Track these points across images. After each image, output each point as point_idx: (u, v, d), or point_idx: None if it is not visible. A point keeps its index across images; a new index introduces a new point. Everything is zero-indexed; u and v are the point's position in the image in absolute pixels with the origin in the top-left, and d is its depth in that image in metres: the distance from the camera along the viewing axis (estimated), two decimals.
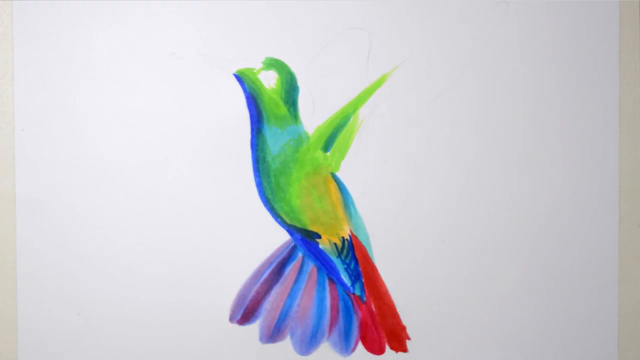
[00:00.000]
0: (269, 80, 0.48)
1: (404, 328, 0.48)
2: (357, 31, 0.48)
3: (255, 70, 0.48)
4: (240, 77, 0.48)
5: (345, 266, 0.48)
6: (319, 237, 0.48)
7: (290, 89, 0.48)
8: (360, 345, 0.48)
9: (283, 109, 0.48)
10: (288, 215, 0.48)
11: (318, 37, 0.48)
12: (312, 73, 0.48)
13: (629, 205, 0.49)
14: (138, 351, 0.48)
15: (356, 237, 0.48)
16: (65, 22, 0.47)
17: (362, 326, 0.48)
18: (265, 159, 0.48)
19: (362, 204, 0.48)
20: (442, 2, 0.48)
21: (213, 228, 0.48)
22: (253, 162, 0.48)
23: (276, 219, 0.48)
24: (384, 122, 0.48)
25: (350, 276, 0.48)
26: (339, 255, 0.48)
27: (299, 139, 0.48)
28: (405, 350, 0.48)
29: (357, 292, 0.48)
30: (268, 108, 0.48)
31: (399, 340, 0.48)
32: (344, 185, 0.48)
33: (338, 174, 0.48)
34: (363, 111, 0.48)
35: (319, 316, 0.48)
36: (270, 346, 0.48)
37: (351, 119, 0.48)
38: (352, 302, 0.48)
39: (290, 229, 0.48)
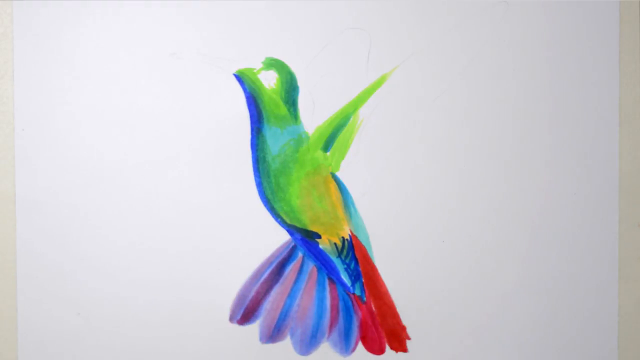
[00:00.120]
0: (269, 80, 0.48)
1: (404, 328, 0.48)
2: (357, 31, 0.48)
3: (255, 70, 0.48)
4: (240, 77, 0.48)
5: (345, 266, 0.48)
6: (319, 237, 0.48)
7: (290, 89, 0.48)
8: (360, 345, 0.48)
9: (283, 109, 0.48)
10: (288, 215, 0.48)
11: (318, 37, 0.48)
12: (312, 73, 0.48)
13: (629, 205, 0.49)
14: (138, 351, 0.48)
15: (356, 237, 0.48)
16: (65, 22, 0.47)
17: (362, 326, 0.48)
18: (265, 159, 0.48)
19: (362, 204, 0.48)
20: (442, 2, 0.48)
21: (213, 228, 0.48)
22: (253, 162, 0.48)
23: (276, 219, 0.48)
24: (384, 122, 0.48)
25: (350, 276, 0.48)
26: (339, 255, 0.48)
27: (299, 139, 0.48)
28: (405, 350, 0.48)
29: (357, 292, 0.48)
30: (268, 108, 0.48)
31: (399, 340, 0.48)
32: (344, 185, 0.48)
33: (338, 174, 0.48)
34: (363, 111, 0.48)
35: (319, 316, 0.48)
36: (270, 346, 0.48)
37: (351, 119, 0.48)
38: (352, 302, 0.48)
39: (290, 229, 0.48)
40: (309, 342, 0.48)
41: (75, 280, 0.47)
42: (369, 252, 0.48)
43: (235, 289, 0.48)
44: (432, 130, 0.48)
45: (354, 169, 0.48)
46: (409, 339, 0.48)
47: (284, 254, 0.48)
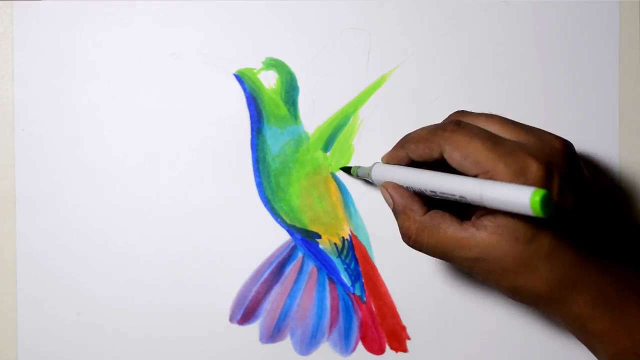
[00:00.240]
0: (269, 80, 0.48)
1: (404, 328, 0.48)
2: (357, 31, 0.48)
3: (255, 70, 0.48)
4: (240, 77, 0.48)
5: (345, 266, 0.48)
6: (319, 237, 0.48)
7: (290, 89, 0.48)
8: (360, 345, 0.48)
9: (283, 109, 0.48)
10: (288, 215, 0.48)
11: (318, 37, 0.48)
12: (312, 73, 0.48)
13: (629, 205, 0.49)
14: (138, 351, 0.48)
15: (356, 237, 0.48)
16: (65, 22, 0.47)
17: (362, 326, 0.48)
18: (265, 159, 0.48)
19: (362, 204, 0.48)
20: (442, 2, 0.48)
21: (213, 228, 0.48)
22: (253, 162, 0.48)
23: (276, 219, 0.48)
24: (384, 122, 0.48)
25: (350, 276, 0.48)
26: (339, 255, 0.48)
27: (299, 139, 0.48)
28: (405, 350, 0.48)
29: (357, 292, 0.48)
30: (268, 108, 0.48)
31: (399, 340, 0.48)
32: (344, 185, 0.48)
33: (338, 174, 0.48)
34: (363, 111, 0.48)
35: (319, 316, 0.48)
36: (270, 346, 0.48)
37: (351, 119, 0.48)
38: (352, 302, 0.48)
39: (290, 229, 0.48)
40: (309, 342, 0.48)
41: (76, 280, 0.47)
42: (369, 252, 0.48)
43: (235, 289, 0.48)
44: None
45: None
46: (409, 339, 0.48)
47: (284, 254, 0.48)
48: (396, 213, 0.41)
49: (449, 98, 0.48)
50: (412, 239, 0.40)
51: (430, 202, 0.40)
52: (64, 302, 0.47)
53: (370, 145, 0.48)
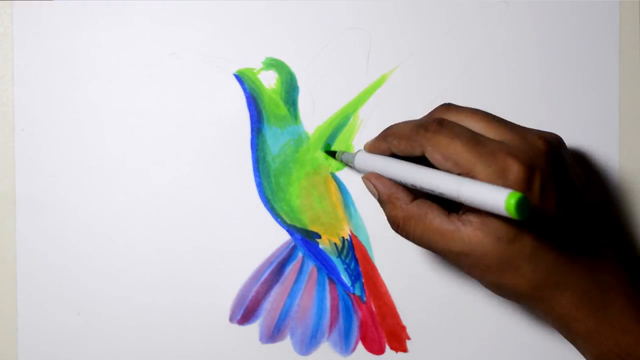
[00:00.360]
0: (269, 80, 0.48)
1: (404, 328, 0.48)
2: (357, 31, 0.48)
3: (255, 70, 0.48)
4: (240, 77, 0.48)
5: (345, 266, 0.48)
6: (319, 237, 0.48)
7: (290, 89, 0.48)
8: (360, 345, 0.48)
9: (283, 109, 0.48)
10: (288, 215, 0.48)
11: (318, 37, 0.48)
12: (312, 73, 0.48)
13: (629, 206, 0.49)
14: (138, 351, 0.48)
15: (356, 237, 0.48)
16: (65, 22, 0.47)
17: (362, 326, 0.48)
18: (265, 159, 0.48)
19: (362, 204, 0.48)
20: (442, 2, 0.48)
21: (213, 228, 0.48)
22: (253, 162, 0.48)
23: (276, 219, 0.48)
24: (384, 122, 0.48)
25: (350, 276, 0.48)
26: (339, 255, 0.48)
27: (299, 139, 0.48)
28: (405, 350, 0.48)
29: (357, 292, 0.48)
30: (268, 108, 0.48)
31: (399, 340, 0.48)
32: (344, 185, 0.48)
33: (338, 174, 0.48)
34: (363, 111, 0.48)
35: (319, 316, 0.48)
36: (270, 346, 0.48)
37: (351, 119, 0.48)
38: (352, 302, 0.48)
39: (290, 229, 0.48)
40: (309, 342, 0.48)
41: (76, 280, 0.47)
42: (369, 252, 0.48)
43: (235, 289, 0.48)
44: None
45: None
46: (409, 339, 0.48)
47: (284, 254, 0.48)
48: (382, 203, 0.41)
49: (449, 98, 0.48)
50: (400, 227, 0.40)
51: (419, 190, 0.40)
52: (64, 302, 0.47)
53: None
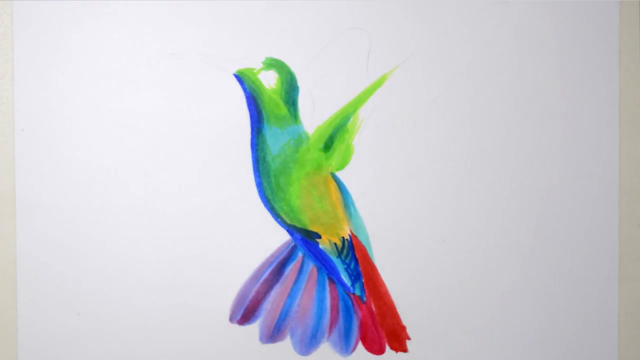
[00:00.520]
0: (269, 80, 0.48)
1: (404, 328, 0.48)
2: (357, 31, 0.48)
3: (255, 70, 0.48)
4: (240, 77, 0.48)
5: (345, 266, 0.48)
6: (319, 237, 0.48)
7: (290, 89, 0.48)
8: (360, 345, 0.48)
9: (283, 109, 0.48)
10: (288, 215, 0.48)
11: (318, 37, 0.48)
12: (312, 73, 0.48)
13: (629, 205, 0.49)
14: (138, 351, 0.48)
15: (356, 237, 0.48)
16: (65, 22, 0.47)
17: (362, 326, 0.48)
18: (265, 159, 0.48)
19: (362, 204, 0.48)
20: (442, 2, 0.48)
21: (213, 228, 0.48)
22: (253, 162, 0.48)
23: (276, 219, 0.48)
24: (384, 122, 0.48)
25: (350, 276, 0.48)
26: (339, 255, 0.48)
27: (299, 139, 0.48)
28: (405, 350, 0.48)
29: (357, 292, 0.48)
30: (268, 108, 0.48)
31: (399, 340, 0.48)
32: (344, 185, 0.48)
33: (338, 174, 0.48)
34: (363, 111, 0.48)
35: (319, 316, 0.48)
36: (270, 346, 0.48)
37: (351, 119, 0.48)
38: (352, 302, 0.48)
39: (290, 229, 0.48)
40: (309, 342, 0.48)
41: (75, 280, 0.47)
42: (369, 252, 0.48)
43: (235, 289, 0.48)
44: (432, 130, 0.48)
45: (354, 169, 0.48)
46: (409, 339, 0.48)
47: (284, 254, 0.48)
48: None
49: (449, 98, 0.48)
50: None
51: None
52: (64, 302, 0.47)
53: (370, 145, 0.48)
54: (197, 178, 0.48)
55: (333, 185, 0.48)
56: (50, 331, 0.47)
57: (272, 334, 0.48)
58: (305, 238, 0.48)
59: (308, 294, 0.48)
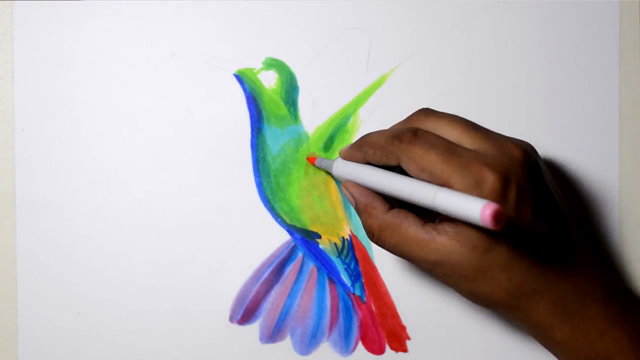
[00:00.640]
0: (269, 80, 0.48)
1: (404, 328, 0.48)
2: (357, 31, 0.48)
3: (255, 70, 0.48)
4: (240, 77, 0.48)
5: (345, 266, 0.48)
6: (319, 237, 0.48)
7: (290, 89, 0.48)
8: (360, 345, 0.48)
9: (283, 109, 0.48)
10: (288, 215, 0.48)
11: (318, 37, 0.48)
12: (312, 73, 0.48)
13: (629, 206, 0.49)
14: (138, 351, 0.48)
15: (356, 237, 0.48)
16: (65, 22, 0.47)
17: (362, 326, 0.48)
18: (265, 159, 0.48)
19: None
20: (442, 2, 0.48)
21: (213, 228, 0.48)
22: (253, 162, 0.48)
23: (276, 219, 0.48)
24: (384, 122, 0.48)
25: (350, 276, 0.48)
26: (339, 255, 0.48)
27: (299, 139, 0.48)
28: (405, 350, 0.48)
29: (357, 292, 0.48)
30: (268, 108, 0.48)
31: (399, 340, 0.48)
32: None
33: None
34: (363, 111, 0.48)
35: (319, 316, 0.48)
36: (270, 346, 0.48)
37: (351, 119, 0.48)
38: (352, 302, 0.48)
39: (290, 229, 0.48)
40: (309, 342, 0.48)
41: (76, 281, 0.47)
42: (369, 252, 0.48)
43: (235, 289, 0.48)
44: None
45: None
46: (409, 339, 0.48)
47: (284, 254, 0.48)
48: (359, 211, 0.41)
49: (449, 98, 0.48)
50: (375, 237, 0.40)
51: (396, 199, 0.40)
52: (64, 302, 0.47)
53: None
54: (197, 178, 0.48)
55: (333, 185, 0.48)
56: (50, 331, 0.47)
57: (272, 334, 0.48)
58: (305, 238, 0.48)
59: (308, 294, 0.48)
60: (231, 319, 0.48)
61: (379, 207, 0.40)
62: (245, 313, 0.48)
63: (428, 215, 0.39)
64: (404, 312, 0.48)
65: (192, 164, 0.48)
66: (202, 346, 0.48)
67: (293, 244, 0.48)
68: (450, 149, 0.37)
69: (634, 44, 0.49)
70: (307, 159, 0.47)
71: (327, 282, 0.48)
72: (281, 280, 0.48)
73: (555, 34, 0.48)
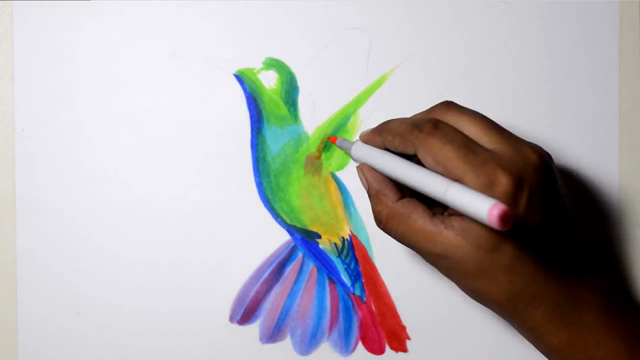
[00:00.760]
0: (269, 80, 0.48)
1: (404, 328, 0.48)
2: (357, 31, 0.48)
3: (255, 70, 0.48)
4: (240, 77, 0.48)
5: (345, 266, 0.48)
6: (319, 237, 0.48)
7: (290, 89, 0.48)
8: (360, 345, 0.48)
9: (283, 109, 0.48)
10: (288, 215, 0.48)
11: (318, 37, 0.48)
12: (312, 73, 0.48)
13: (629, 206, 0.49)
14: (138, 351, 0.48)
15: (356, 237, 0.48)
16: (65, 22, 0.47)
17: (362, 326, 0.48)
18: (265, 159, 0.48)
19: (362, 204, 0.48)
20: (442, 2, 0.48)
21: (213, 228, 0.48)
22: (253, 162, 0.48)
23: (276, 219, 0.48)
24: None
25: (350, 276, 0.48)
26: (339, 255, 0.48)
27: (299, 139, 0.48)
28: (405, 350, 0.48)
29: (357, 292, 0.48)
30: (268, 108, 0.48)
31: (399, 340, 0.48)
32: (344, 185, 0.48)
33: (338, 174, 0.48)
34: (363, 111, 0.48)
35: (319, 316, 0.48)
36: (270, 346, 0.48)
37: (351, 119, 0.48)
38: (352, 302, 0.48)
39: (290, 229, 0.48)
40: (309, 342, 0.48)
41: (76, 280, 0.47)
42: (369, 252, 0.48)
43: (235, 289, 0.48)
44: None
45: (354, 169, 0.48)
46: (409, 339, 0.48)
47: (284, 254, 0.48)
48: (370, 196, 0.41)
49: (449, 98, 0.48)
50: (382, 224, 0.40)
51: (408, 188, 0.40)
52: (64, 302, 0.47)
53: None
54: (197, 178, 0.48)
55: (333, 185, 0.48)
56: (50, 331, 0.47)
57: (272, 334, 0.48)
58: (305, 238, 0.48)
59: (308, 294, 0.48)
60: (231, 319, 0.48)
61: (389, 194, 0.40)
62: (245, 313, 0.48)
63: (438, 207, 0.39)
64: (404, 312, 0.48)
65: (192, 164, 0.48)
66: (202, 346, 0.48)
67: (293, 244, 0.48)
68: (467, 146, 0.37)
69: (634, 44, 0.49)
70: (329, 138, 0.47)
71: (327, 282, 0.48)
72: (281, 280, 0.48)
73: (555, 34, 0.48)
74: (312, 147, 0.48)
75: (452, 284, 0.48)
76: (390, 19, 0.48)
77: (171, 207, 0.47)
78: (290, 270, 0.48)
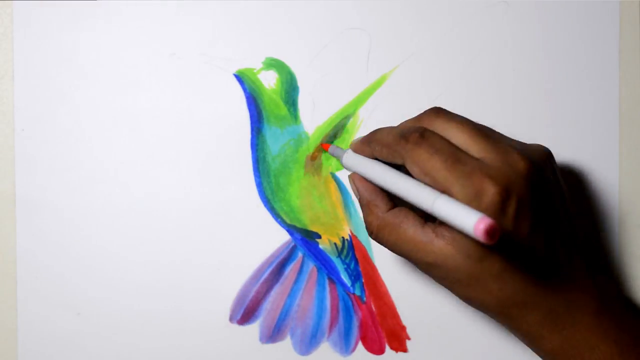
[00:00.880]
0: (269, 80, 0.48)
1: (404, 328, 0.48)
2: (357, 31, 0.48)
3: (255, 70, 0.48)
4: (240, 77, 0.48)
5: (345, 266, 0.48)
6: (319, 237, 0.48)
7: (290, 89, 0.48)
8: (360, 345, 0.48)
9: (283, 109, 0.48)
10: (288, 215, 0.48)
11: (318, 37, 0.48)
12: (312, 73, 0.48)
13: (629, 206, 0.49)
14: (138, 351, 0.48)
15: (356, 237, 0.48)
16: (65, 22, 0.47)
17: (362, 326, 0.48)
18: (265, 159, 0.48)
19: None
20: (442, 2, 0.48)
21: (213, 228, 0.48)
22: (253, 162, 0.48)
23: (276, 219, 0.48)
24: (384, 122, 0.48)
25: (350, 276, 0.48)
26: (339, 255, 0.48)
27: (299, 139, 0.48)
28: (405, 350, 0.48)
29: (357, 292, 0.48)
30: (268, 108, 0.48)
31: (399, 340, 0.48)
32: (344, 185, 0.48)
33: (338, 174, 0.48)
34: (363, 111, 0.48)
35: (319, 316, 0.48)
36: (270, 346, 0.48)
37: (351, 119, 0.48)
38: (352, 302, 0.48)
39: (290, 229, 0.48)
40: (309, 342, 0.48)
41: (76, 280, 0.47)
42: (369, 252, 0.48)
43: (235, 289, 0.48)
44: None
45: None
46: (409, 339, 0.48)
47: (284, 254, 0.48)
48: (361, 206, 0.42)
49: (449, 98, 0.48)
50: (374, 234, 0.41)
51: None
52: (64, 302, 0.47)
53: None
54: (197, 178, 0.48)
55: (333, 185, 0.48)
56: (50, 331, 0.47)
57: (272, 334, 0.48)
58: (305, 238, 0.48)
59: (308, 294, 0.48)
60: (231, 319, 0.48)
61: (380, 205, 0.41)
62: (245, 313, 0.48)
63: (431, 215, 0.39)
64: (404, 312, 0.48)
65: (192, 164, 0.48)
66: (202, 346, 0.48)
67: (293, 244, 0.48)
68: (454, 156, 0.36)
69: (634, 44, 0.49)
70: (321, 145, 0.47)
71: (327, 282, 0.48)
72: (281, 280, 0.48)
73: (555, 34, 0.48)
74: (312, 147, 0.48)
75: None
76: (390, 19, 0.48)
77: (171, 207, 0.47)
78: (290, 270, 0.48)
